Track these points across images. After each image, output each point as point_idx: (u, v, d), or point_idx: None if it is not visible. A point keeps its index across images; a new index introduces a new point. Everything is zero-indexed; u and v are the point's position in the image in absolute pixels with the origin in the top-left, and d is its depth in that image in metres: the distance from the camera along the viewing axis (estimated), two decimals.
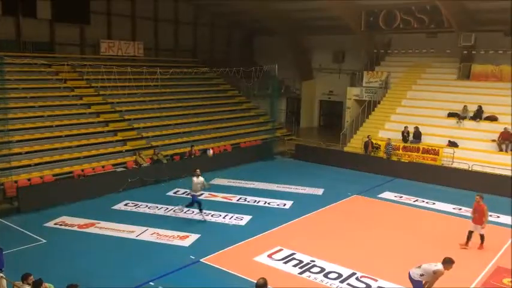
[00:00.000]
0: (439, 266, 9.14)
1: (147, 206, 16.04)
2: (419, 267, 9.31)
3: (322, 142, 25.43)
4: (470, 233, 12.91)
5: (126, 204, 16.18)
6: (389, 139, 22.47)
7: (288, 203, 16.76)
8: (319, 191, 18.45)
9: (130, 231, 13.62)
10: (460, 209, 16.28)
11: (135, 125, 22.56)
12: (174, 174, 19.43)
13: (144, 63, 23.96)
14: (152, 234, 13.43)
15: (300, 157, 24.25)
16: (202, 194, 15.90)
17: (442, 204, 16.91)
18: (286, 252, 12.27)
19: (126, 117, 22.81)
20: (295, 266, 11.52)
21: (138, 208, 15.85)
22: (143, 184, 18.34)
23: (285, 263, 11.68)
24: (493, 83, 24.60)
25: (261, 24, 31.52)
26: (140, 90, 22.69)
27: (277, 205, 16.56)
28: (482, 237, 12.84)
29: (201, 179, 14.85)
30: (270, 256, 12.02)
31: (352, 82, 30.57)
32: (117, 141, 20.87)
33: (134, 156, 19.70)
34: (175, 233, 13.48)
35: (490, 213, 15.50)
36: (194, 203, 14.82)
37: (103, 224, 14.12)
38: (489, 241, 13.23)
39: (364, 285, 10.62)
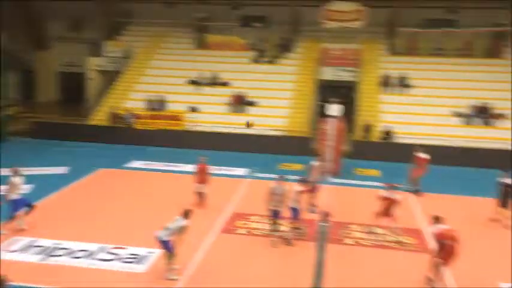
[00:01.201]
0: (183, 221, 9.67)
1: None
2: (166, 228, 9.69)
3: (64, 117, 23.65)
4: (199, 193, 13.76)
5: None
6: (128, 108, 22.58)
7: (26, 187, 15.03)
8: (63, 170, 17.21)
9: None
10: None
11: None
12: None
13: None
14: None
15: (40, 135, 22.03)
16: None
17: (189, 166, 17.93)
18: (24, 241, 11.04)
19: None
20: (36, 253, 10.48)
21: None
22: None
23: (23, 252, 10.51)
24: (224, 51, 27.19)
25: None
26: None
27: None
28: (204, 195, 13.81)
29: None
30: (4, 249, 10.62)
31: (93, 52, 29.18)
32: None
33: None
34: None
35: (224, 167, 17.53)
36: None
37: None
38: (224, 191, 14.89)
39: (114, 256, 10.50)
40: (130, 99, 24.38)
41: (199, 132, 21.94)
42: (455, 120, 22.07)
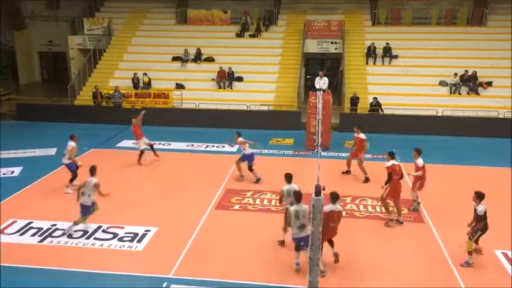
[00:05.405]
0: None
1: None
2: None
3: (48, 98, 23.26)
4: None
5: None
6: (116, 87, 22.28)
7: (17, 170, 14.96)
8: (52, 151, 17.02)
9: None
10: (192, 145, 17.74)
11: None
12: None
13: None
14: None
15: (24, 117, 21.64)
16: None
17: (177, 144, 18.00)
18: (21, 223, 11.05)
19: None
20: (34, 235, 10.52)
21: None
22: None
23: (21, 234, 10.54)
24: (206, 26, 26.88)
25: None
26: None
27: (4, 174, 14.59)
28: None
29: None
30: (2, 232, 10.62)
31: (73, 30, 28.56)
32: None
33: None
34: None
35: (216, 144, 17.57)
36: None
37: None
38: (217, 168, 14.97)
39: (112, 235, 10.59)
40: (115, 77, 24.04)
41: (186, 110, 21.83)
42: (442, 89, 22.31)
